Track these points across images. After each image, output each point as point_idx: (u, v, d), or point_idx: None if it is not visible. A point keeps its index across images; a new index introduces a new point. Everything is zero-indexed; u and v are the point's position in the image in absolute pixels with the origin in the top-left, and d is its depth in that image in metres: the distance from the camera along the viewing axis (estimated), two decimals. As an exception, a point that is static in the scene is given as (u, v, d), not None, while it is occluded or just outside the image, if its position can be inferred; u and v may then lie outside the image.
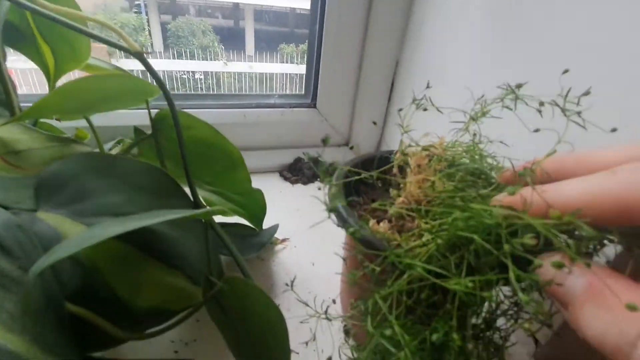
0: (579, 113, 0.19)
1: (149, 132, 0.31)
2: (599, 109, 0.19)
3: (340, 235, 0.26)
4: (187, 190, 0.29)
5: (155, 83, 0.28)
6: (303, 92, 0.62)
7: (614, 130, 0.19)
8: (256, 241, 0.34)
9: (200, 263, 0.26)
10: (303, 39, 0.60)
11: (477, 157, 0.23)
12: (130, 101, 0.30)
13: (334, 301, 0.36)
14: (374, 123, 0.61)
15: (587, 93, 0.19)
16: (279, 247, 0.43)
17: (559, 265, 0.14)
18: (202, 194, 0.35)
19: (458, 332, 0.16)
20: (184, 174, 0.29)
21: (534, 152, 0.19)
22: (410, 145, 0.23)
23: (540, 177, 0.17)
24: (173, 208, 0.27)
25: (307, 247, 0.43)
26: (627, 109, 0.25)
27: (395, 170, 0.25)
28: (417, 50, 0.51)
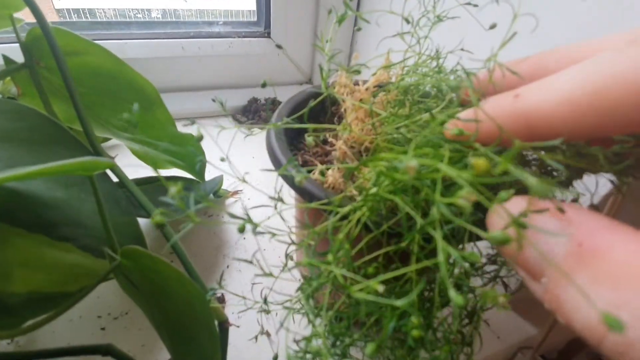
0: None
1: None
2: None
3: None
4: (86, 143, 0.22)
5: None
6: (255, 19, 0.52)
7: None
8: (197, 193, 0.28)
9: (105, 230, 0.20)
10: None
11: (433, 74, 0.17)
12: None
13: (291, 258, 0.32)
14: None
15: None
16: (229, 200, 0.38)
17: (518, 223, 0.08)
18: (127, 145, 0.28)
19: (419, 313, 0.12)
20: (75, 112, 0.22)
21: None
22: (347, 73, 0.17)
23: (508, 82, 0.12)
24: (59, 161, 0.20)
25: (263, 199, 0.38)
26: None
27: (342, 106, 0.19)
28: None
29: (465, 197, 0.07)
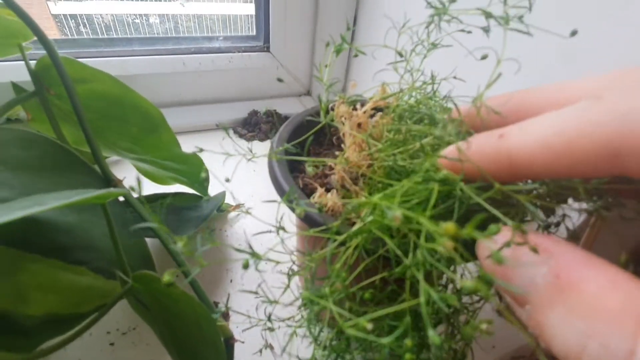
0: (520, 18, 0.14)
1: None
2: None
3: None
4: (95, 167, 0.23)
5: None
6: (254, 33, 0.53)
7: (574, 33, 0.14)
8: (195, 215, 0.29)
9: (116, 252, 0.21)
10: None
11: (427, 101, 0.18)
12: (-6, 48, 0.22)
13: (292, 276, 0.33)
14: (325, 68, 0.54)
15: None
16: (232, 214, 0.38)
17: (497, 256, 0.09)
18: (133, 164, 0.29)
19: (413, 333, 0.13)
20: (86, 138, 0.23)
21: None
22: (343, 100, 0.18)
23: (491, 119, 0.13)
24: (72, 186, 0.21)
25: (265, 212, 0.39)
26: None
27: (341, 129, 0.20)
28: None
29: (444, 245, 0.08)
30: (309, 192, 0.21)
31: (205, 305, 0.18)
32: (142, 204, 0.23)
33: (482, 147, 0.12)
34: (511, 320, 0.11)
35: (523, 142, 0.11)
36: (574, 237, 0.13)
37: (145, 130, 0.26)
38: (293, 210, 0.17)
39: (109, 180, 0.23)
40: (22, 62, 0.24)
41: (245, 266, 0.12)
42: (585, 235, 0.12)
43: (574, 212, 0.13)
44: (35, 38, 0.22)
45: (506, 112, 0.13)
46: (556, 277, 0.09)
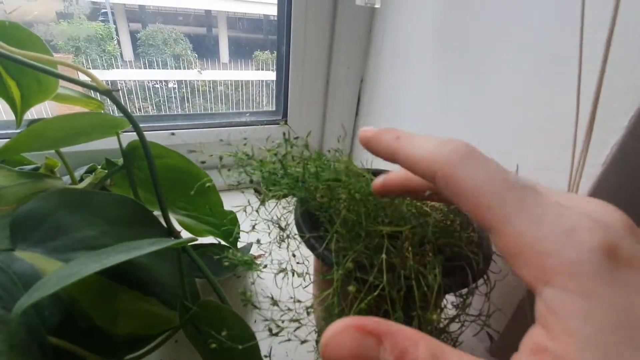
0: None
1: (120, 159, 0.32)
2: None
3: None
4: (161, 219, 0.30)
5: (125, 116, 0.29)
6: (274, 109, 0.64)
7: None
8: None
9: (176, 287, 0.28)
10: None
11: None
12: (99, 135, 0.31)
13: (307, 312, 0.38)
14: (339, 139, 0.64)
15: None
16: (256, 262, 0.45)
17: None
18: (177, 218, 0.37)
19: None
20: (157, 200, 0.30)
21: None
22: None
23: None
24: (146, 237, 0.28)
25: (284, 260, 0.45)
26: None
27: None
28: (379, 69, 0.54)
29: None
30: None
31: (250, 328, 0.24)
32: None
33: (382, 135, 0.18)
34: None
35: (403, 147, 0.17)
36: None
37: (199, 194, 0.34)
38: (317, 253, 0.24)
39: (171, 232, 0.31)
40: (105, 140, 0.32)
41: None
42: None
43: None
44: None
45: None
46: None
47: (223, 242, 0.42)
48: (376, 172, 0.29)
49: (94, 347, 0.22)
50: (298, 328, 0.22)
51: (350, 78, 0.59)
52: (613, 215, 0.14)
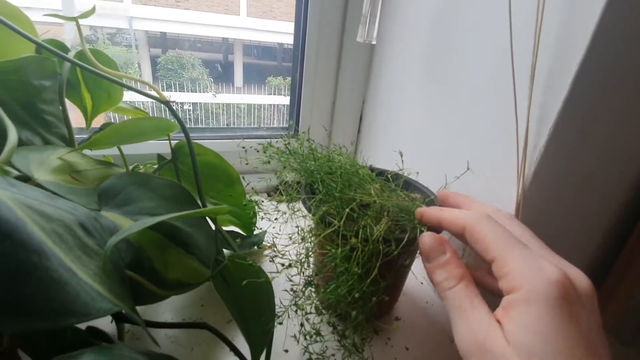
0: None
1: (168, 157, 0.41)
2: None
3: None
4: (198, 201, 0.39)
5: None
6: (287, 125, 0.74)
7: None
8: (249, 241, 0.44)
9: (209, 252, 0.36)
10: (290, 71, 0.72)
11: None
12: (157, 135, 0.40)
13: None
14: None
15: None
16: (267, 252, 0.53)
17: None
18: (208, 204, 0.45)
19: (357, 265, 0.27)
20: (195, 190, 0.39)
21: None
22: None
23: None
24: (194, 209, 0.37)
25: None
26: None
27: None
28: (378, 92, 0.64)
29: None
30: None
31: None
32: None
33: (431, 211, 0.28)
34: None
35: (445, 218, 0.26)
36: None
37: (227, 185, 0.42)
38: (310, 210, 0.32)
39: (206, 212, 0.39)
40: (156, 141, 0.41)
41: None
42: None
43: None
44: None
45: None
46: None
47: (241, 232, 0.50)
48: (373, 168, 0.38)
49: (153, 284, 0.30)
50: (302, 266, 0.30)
51: (354, 99, 0.69)
52: (580, 276, 0.22)
